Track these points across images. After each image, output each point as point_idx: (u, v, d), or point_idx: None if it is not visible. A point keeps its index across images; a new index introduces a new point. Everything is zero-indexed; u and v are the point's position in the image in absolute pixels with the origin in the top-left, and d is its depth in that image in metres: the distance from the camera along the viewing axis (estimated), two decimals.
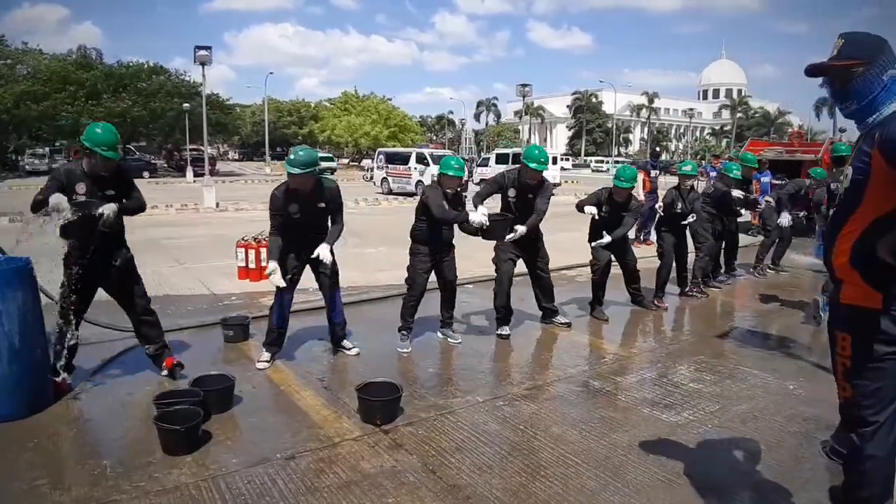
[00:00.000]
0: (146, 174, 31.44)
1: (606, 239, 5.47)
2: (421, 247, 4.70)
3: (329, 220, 4.33)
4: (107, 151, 3.54)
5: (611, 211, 5.57)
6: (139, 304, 3.97)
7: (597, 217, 5.60)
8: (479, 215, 4.52)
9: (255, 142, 64.05)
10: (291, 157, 4.01)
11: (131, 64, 36.98)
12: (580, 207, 5.68)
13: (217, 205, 16.26)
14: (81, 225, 3.51)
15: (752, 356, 4.72)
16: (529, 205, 4.95)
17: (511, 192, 4.96)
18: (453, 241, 4.82)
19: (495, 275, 5.14)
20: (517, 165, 5.11)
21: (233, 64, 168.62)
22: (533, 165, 4.83)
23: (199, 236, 10.95)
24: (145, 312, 4.00)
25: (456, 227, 4.70)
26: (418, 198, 4.88)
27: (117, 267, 3.82)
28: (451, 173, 4.65)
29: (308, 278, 4.49)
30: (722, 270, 7.59)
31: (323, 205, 4.21)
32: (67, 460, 2.99)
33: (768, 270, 8.18)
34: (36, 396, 3.45)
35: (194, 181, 27.82)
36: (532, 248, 5.14)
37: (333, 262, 4.43)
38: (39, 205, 3.50)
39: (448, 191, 4.66)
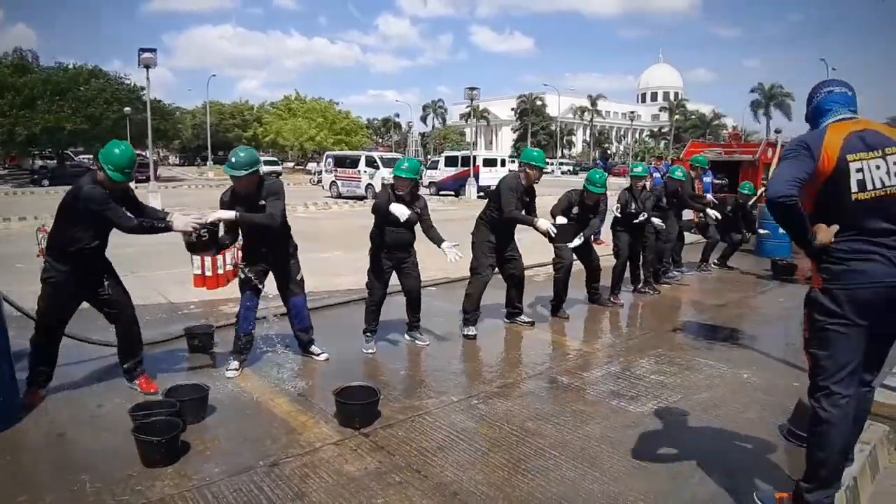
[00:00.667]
0: None
1: (577, 241, 5.58)
2: (378, 250, 4.74)
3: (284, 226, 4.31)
4: (113, 172, 3.50)
5: (580, 213, 5.76)
6: (127, 317, 3.89)
7: (565, 223, 5.71)
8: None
9: (196, 146, 62.14)
10: (232, 159, 3.97)
11: (70, 68, 35.18)
12: (553, 215, 5.74)
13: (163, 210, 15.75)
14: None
15: (706, 348, 5.00)
16: (527, 207, 5.11)
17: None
18: (413, 245, 4.86)
19: (471, 277, 5.23)
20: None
21: (172, 66, 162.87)
22: (540, 164, 5.06)
23: (147, 244, 10.44)
24: (131, 323, 3.91)
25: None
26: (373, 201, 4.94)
27: (107, 282, 3.78)
28: (403, 175, 4.64)
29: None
30: (671, 268, 7.94)
31: (263, 202, 4.08)
32: (45, 475, 2.89)
33: (713, 267, 8.61)
34: (4, 411, 3.31)
35: (136, 187, 26.79)
36: (511, 250, 5.28)
37: (298, 269, 4.44)
38: (157, 230, 3.72)
39: (400, 192, 4.66)
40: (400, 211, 4.51)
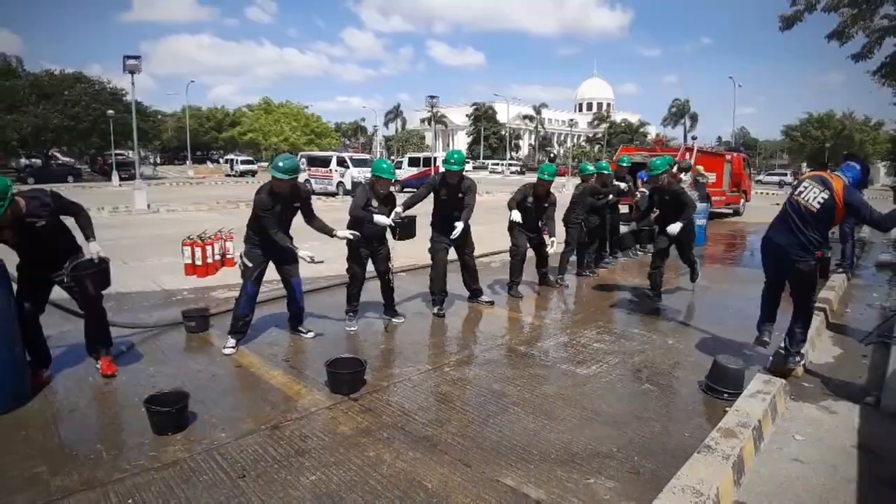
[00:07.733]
0: (70, 178, 29.69)
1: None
2: (357, 240, 4.78)
3: (306, 216, 4.46)
4: None
5: (534, 203, 5.93)
6: (93, 304, 3.77)
7: (520, 220, 5.92)
8: (383, 218, 4.64)
9: (175, 146, 59.95)
10: (281, 164, 4.07)
11: (56, 73, 33.31)
12: (510, 207, 5.99)
13: (148, 206, 15.23)
14: None
15: (638, 320, 5.26)
16: (458, 202, 5.18)
17: (443, 192, 5.14)
18: (386, 235, 4.91)
19: (431, 262, 5.33)
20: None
21: (150, 72, 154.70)
22: (446, 167, 5.08)
23: (136, 237, 10.28)
24: (97, 312, 3.80)
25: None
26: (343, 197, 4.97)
27: (70, 267, 3.61)
28: (385, 176, 4.73)
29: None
30: (607, 254, 8.25)
31: (298, 203, 4.35)
32: (61, 448, 2.86)
33: (639, 252, 9.04)
34: (17, 390, 3.24)
35: (120, 185, 25.78)
36: (463, 238, 5.36)
37: (294, 253, 4.43)
38: None
39: (381, 191, 4.74)
40: (385, 222, 4.65)
